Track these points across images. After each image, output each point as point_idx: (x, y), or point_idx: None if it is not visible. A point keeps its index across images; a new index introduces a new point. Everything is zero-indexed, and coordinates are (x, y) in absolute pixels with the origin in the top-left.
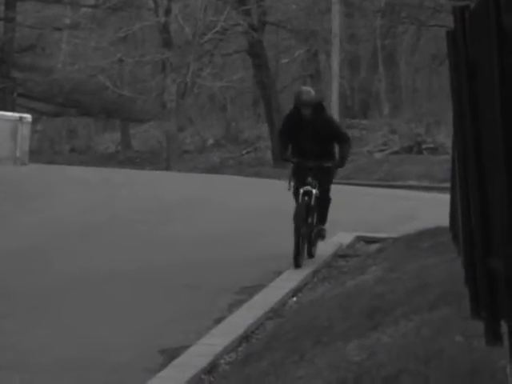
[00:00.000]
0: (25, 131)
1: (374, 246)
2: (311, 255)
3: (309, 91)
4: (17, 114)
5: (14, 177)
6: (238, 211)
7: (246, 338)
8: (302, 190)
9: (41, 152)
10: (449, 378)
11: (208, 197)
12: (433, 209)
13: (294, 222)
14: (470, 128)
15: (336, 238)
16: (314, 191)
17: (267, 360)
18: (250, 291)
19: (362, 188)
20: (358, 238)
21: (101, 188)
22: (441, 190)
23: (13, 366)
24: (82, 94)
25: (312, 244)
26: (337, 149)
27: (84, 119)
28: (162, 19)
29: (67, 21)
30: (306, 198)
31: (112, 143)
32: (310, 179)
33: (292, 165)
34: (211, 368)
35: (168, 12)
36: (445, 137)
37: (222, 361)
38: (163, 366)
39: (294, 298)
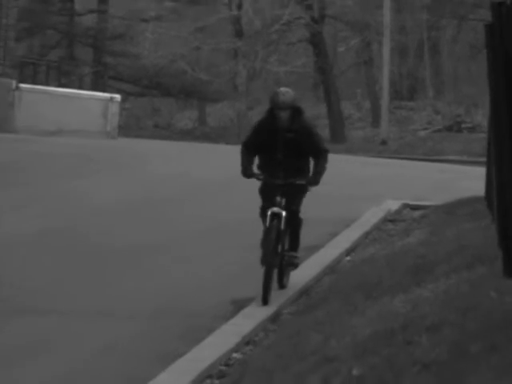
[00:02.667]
0: (114, 109)
1: (419, 213)
2: (282, 286)
3: (287, 92)
4: (108, 94)
5: (106, 149)
6: None
7: (305, 292)
8: (269, 212)
9: (128, 128)
10: (484, 326)
11: None
12: (470, 180)
13: (263, 249)
14: (504, 111)
15: (385, 204)
16: (283, 213)
17: (323, 311)
18: (307, 251)
19: (408, 162)
20: (405, 205)
21: (180, 160)
22: (477, 163)
23: (100, 313)
24: (165, 77)
25: (283, 274)
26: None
27: (166, 99)
28: (235, 12)
29: (152, 13)
30: (275, 222)
31: (190, 120)
32: (278, 198)
33: (260, 182)
34: (275, 317)
35: (240, 6)
36: (482, 117)
37: (285, 311)
38: (234, 314)
39: (348, 257)
